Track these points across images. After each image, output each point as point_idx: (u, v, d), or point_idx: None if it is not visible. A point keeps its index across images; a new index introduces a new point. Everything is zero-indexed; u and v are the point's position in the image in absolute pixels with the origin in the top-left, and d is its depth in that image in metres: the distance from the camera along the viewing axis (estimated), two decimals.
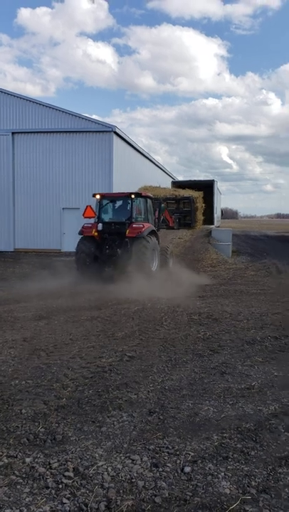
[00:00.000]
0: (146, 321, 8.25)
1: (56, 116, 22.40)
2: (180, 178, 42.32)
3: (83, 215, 14.41)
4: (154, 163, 33.89)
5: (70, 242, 22.02)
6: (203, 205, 23.35)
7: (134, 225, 13.28)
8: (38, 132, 22.53)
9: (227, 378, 5.37)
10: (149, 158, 31.46)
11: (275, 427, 4.09)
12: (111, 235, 13.59)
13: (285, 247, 27.86)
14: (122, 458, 3.57)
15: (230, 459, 3.55)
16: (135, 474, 3.34)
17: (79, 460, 3.53)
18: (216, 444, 3.79)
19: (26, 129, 22.56)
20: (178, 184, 28.75)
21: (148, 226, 13.58)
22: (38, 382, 5.23)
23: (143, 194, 14.62)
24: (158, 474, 3.35)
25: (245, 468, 3.43)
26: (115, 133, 22.04)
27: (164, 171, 38.09)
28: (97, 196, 14.23)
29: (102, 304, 9.82)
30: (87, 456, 3.59)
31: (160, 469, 3.41)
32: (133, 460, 3.53)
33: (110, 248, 13.46)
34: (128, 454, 3.62)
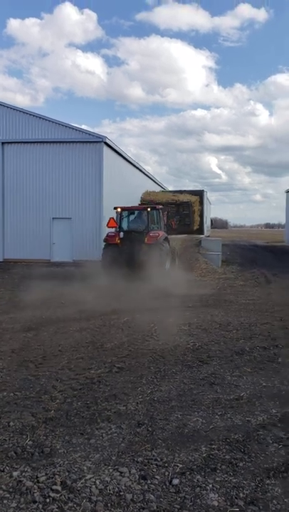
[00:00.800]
0: (135, 331, 8.24)
1: (46, 126, 22.45)
2: (170, 188, 42.40)
3: (107, 225, 16.71)
4: (144, 173, 34.04)
5: (60, 252, 22.03)
6: (199, 207, 24.98)
7: (151, 234, 15.83)
8: (28, 142, 22.54)
9: (216, 389, 5.38)
10: (139, 168, 31.59)
11: (264, 438, 4.11)
12: (131, 242, 15.78)
13: (274, 257, 28.07)
14: (111, 470, 3.55)
15: (218, 471, 3.56)
16: (123, 487, 3.33)
17: (67, 473, 3.51)
18: (204, 455, 3.79)
19: (16, 139, 22.56)
20: None
21: (162, 234, 16.31)
22: (26, 394, 5.20)
23: (157, 207, 17.28)
24: (146, 487, 3.34)
25: (234, 480, 3.43)
26: (105, 143, 22.14)
27: (154, 180, 38.25)
28: (118, 209, 16.71)
29: (92, 315, 9.79)
30: (75, 469, 3.57)
31: (148, 482, 3.40)
32: (121, 472, 3.52)
33: (131, 253, 15.43)
34: (116, 467, 3.61)
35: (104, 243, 16.46)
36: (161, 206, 18.04)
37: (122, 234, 16.27)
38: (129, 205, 18.34)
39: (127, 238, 16.07)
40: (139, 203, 23.13)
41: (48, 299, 11.80)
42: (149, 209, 16.58)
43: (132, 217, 17.25)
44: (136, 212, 17.32)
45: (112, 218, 16.77)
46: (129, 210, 17.29)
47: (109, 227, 16.72)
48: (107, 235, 16.44)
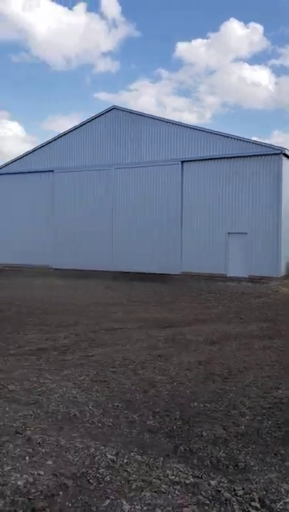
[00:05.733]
0: None
1: (221, 142, 22.62)
2: None
3: None
4: None
5: (235, 267, 22.00)
6: None
7: None
8: (205, 159, 23.12)
9: None
10: None
11: None
12: None
13: None
14: None
15: None
16: None
17: (264, 492, 3.51)
18: None
19: (195, 157, 23.34)
20: None
21: None
22: (215, 406, 5.36)
23: None
24: None
25: None
26: (285, 155, 21.43)
27: None
28: None
29: (275, 334, 9.57)
30: (273, 490, 3.55)
31: None
32: None
33: None
34: None
35: None
36: None
37: None
38: None
39: None
40: None
41: (227, 313, 11.95)
42: None
43: None
44: None
45: None
46: None
47: None
48: None
